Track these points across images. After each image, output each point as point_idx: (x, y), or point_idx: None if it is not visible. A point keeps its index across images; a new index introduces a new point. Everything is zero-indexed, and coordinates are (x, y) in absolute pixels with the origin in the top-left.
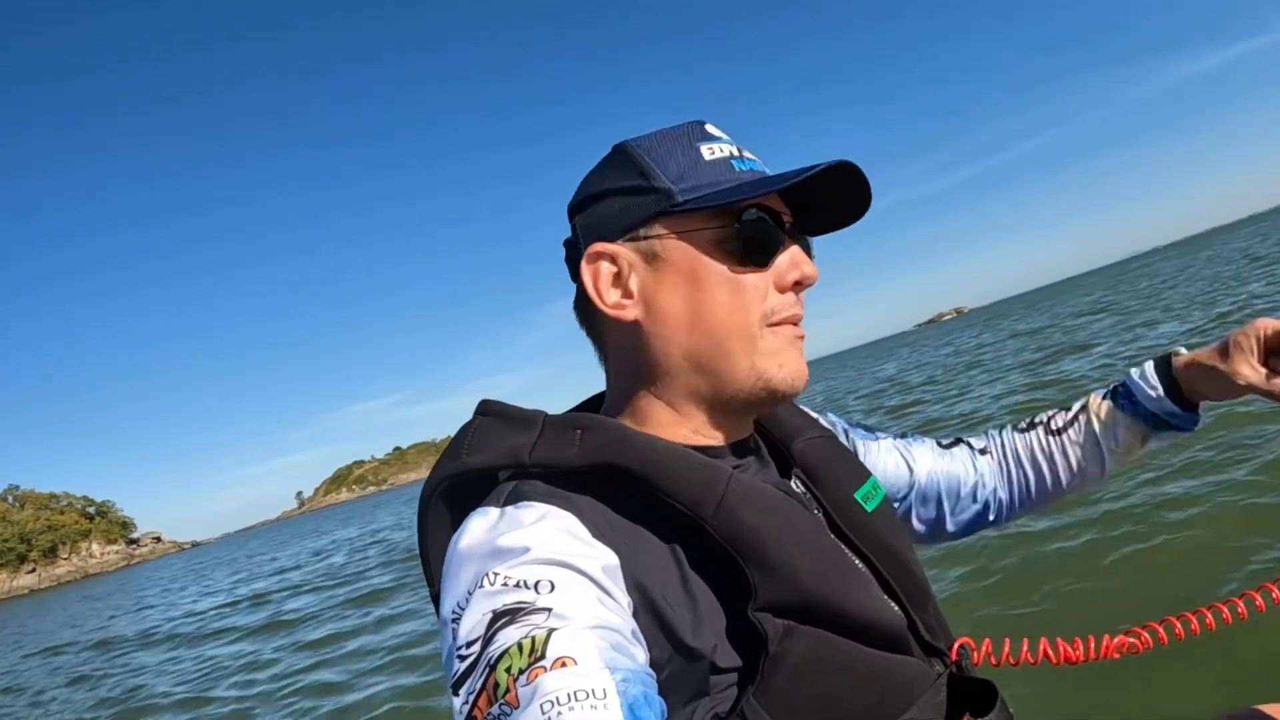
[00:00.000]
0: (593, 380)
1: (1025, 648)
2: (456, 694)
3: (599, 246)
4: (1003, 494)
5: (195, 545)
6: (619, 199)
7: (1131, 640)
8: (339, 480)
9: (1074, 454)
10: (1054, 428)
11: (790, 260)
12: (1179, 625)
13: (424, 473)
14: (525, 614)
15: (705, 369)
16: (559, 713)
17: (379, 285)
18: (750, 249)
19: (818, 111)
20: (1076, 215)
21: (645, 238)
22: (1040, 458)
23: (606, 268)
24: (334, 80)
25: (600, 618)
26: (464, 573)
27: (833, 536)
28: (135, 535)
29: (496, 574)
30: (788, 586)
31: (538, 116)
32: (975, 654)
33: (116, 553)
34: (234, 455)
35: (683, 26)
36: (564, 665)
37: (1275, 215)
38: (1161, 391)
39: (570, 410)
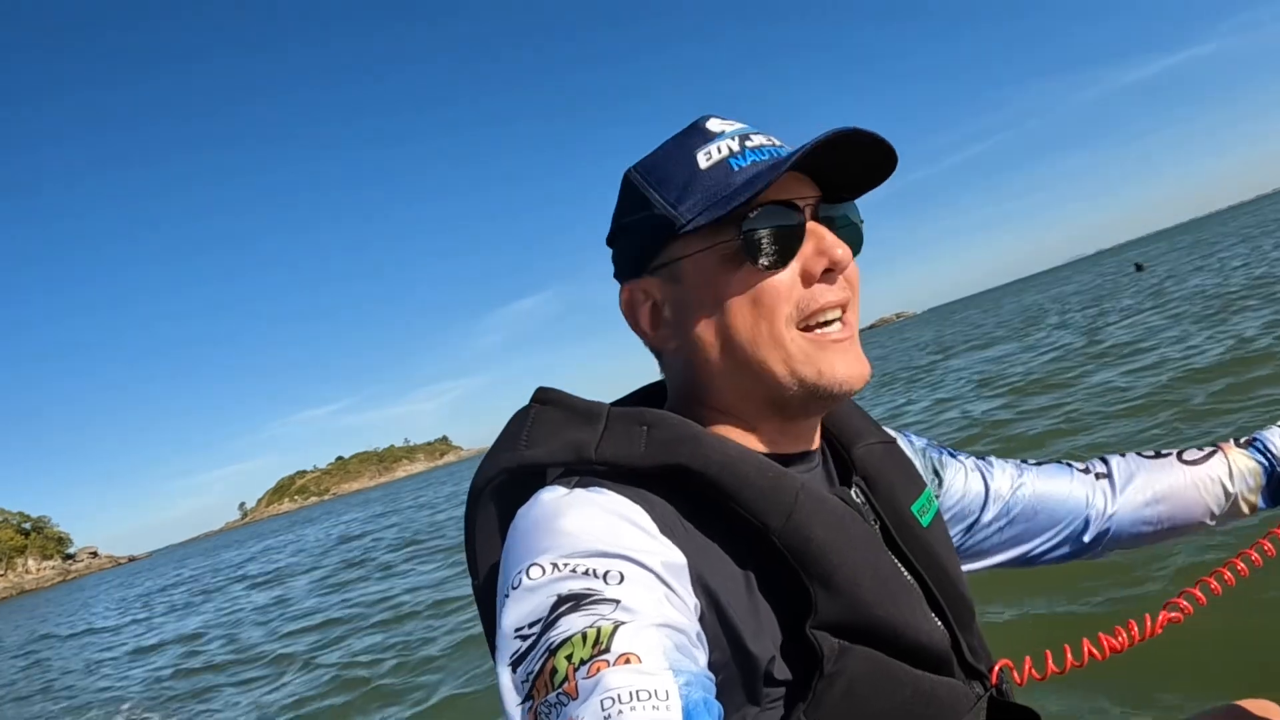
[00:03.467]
0: (549, 382)
1: (1069, 653)
2: (514, 671)
3: (629, 285)
4: (1118, 519)
5: (132, 560)
6: (635, 233)
7: (1173, 614)
8: (281, 491)
9: (1202, 490)
10: (1187, 459)
11: (814, 249)
12: (1214, 582)
13: (366, 483)
14: (592, 603)
15: (749, 384)
16: (619, 710)
17: (325, 292)
18: (760, 254)
19: (761, 118)
20: (1019, 219)
21: (666, 265)
22: (1167, 486)
23: (640, 302)
24: (283, 82)
25: (666, 616)
26: (531, 548)
27: (888, 551)
28: (72, 550)
29: (566, 557)
30: (848, 606)
31: (491, 124)
32: (1017, 675)
33: (53, 568)
34: (177, 465)
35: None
36: (628, 661)
37: (1207, 221)
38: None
39: (631, 397)
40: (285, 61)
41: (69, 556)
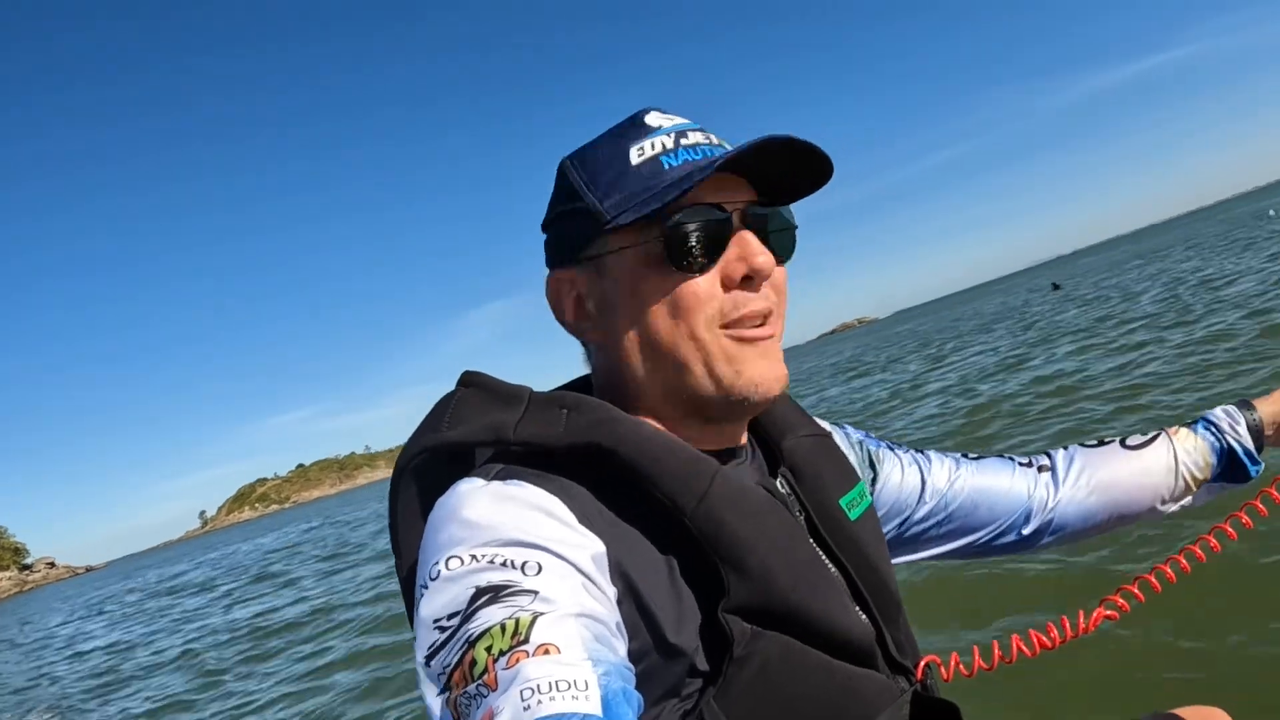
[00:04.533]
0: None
1: (997, 650)
2: (429, 664)
3: (556, 273)
4: (1060, 510)
5: (90, 570)
6: (566, 222)
7: (1109, 612)
8: (242, 499)
9: (1148, 476)
10: (1130, 444)
11: (738, 254)
12: (1154, 579)
13: (327, 490)
14: (510, 594)
15: (668, 383)
16: (539, 701)
17: (297, 294)
18: (681, 256)
19: (724, 126)
20: (984, 225)
21: (593, 258)
22: (1111, 475)
23: (566, 292)
24: (248, 83)
25: (585, 606)
26: (449, 539)
27: (811, 542)
28: (28, 561)
29: (483, 548)
30: (761, 591)
31: (479, 124)
32: (944, 670)
33: (9, 579)
34: (141, 473)
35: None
36: (547, 652)
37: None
38: (1244, 428)
39: (557, 389)
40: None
41: (26, 567)
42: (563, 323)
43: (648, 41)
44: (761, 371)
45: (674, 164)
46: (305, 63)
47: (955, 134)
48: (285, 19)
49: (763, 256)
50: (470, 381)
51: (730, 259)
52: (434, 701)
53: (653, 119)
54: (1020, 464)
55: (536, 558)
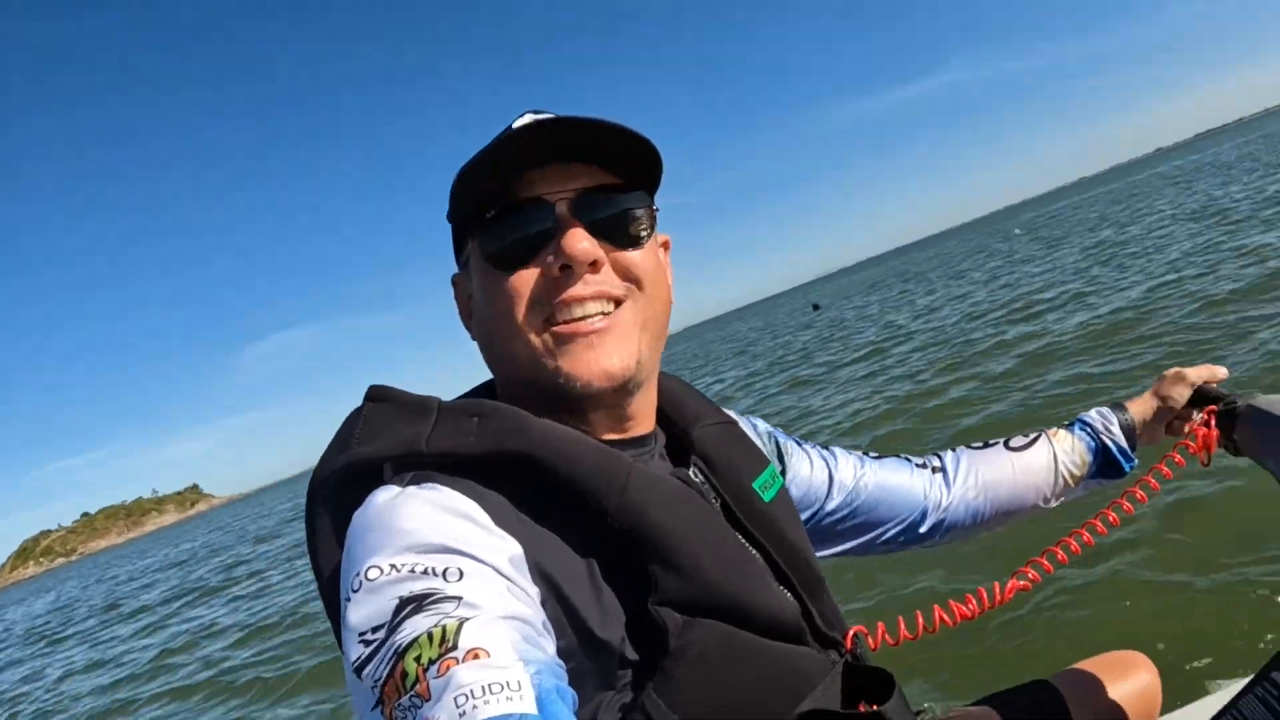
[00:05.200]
0: (322, 415)
1: (920, 620)
2: (359, 677)
3: (454, 277)
4: (952, 510)
5: None
6: (453, 226)
7: (1021, 583)
8: (25, 554)
9: (1031, 475)
10: (1013, 445)
11: (555, 246)
12: (1060, 552)
13: (115, 539)
14: (434, 602)
15: (516, 379)
16: (474, 706)
17: (72, 330)
18: (497, 255)
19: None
20: (760, 248)
21: (465, 262)
22: (996, 475)
23: (459, 294)
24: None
25: (510, 608)
26: (367, 549)
27: (729, 528)
28: None
29: (403, 556)
30: (689, 581)
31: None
32: (871, 640)
33: None
34: None
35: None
36: (476, 657)
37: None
38: (1117, 428)
39: (464, 396)
40: None
41: None
42: (464, 324)
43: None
44: (587, 363)
45: (508, 165)
46: None
47: (741, 155)
48: None
49: (581, 246)
50: (377, 396)
51: (550, 252)
52: (369, 717)
53: (523, 120)
54: (916, 464)
55: (457, 563)
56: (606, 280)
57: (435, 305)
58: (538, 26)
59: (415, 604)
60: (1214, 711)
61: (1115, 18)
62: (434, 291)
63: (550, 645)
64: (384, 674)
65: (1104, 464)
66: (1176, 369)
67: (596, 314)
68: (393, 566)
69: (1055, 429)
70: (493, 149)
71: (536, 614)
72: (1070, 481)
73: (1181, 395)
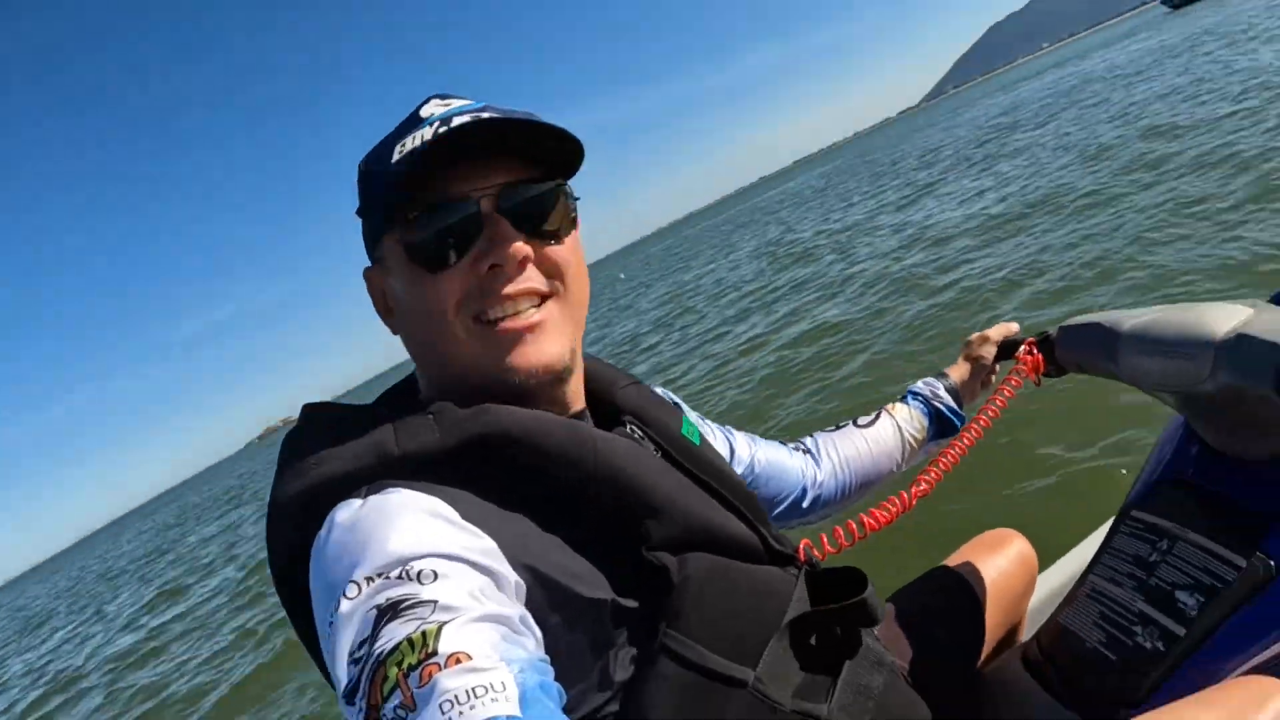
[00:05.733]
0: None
1: (853, 527)
2: (351, 703)
3: (366, 271)
4: (825, 485)
5: None
6: (362, 221)
7: (921, 488)
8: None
9: (881, 446)
10: (861, 424)
11: (484, 244)
12: (943, 461)
13: None
14: (410, 607)
15: (453, 376)
16: (460, 712)
17: None
18: (422, 256)
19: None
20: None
21: (380, 257)
22: (854, 450)
23: (373, 289)
24: None
25: (488, 608)
26: (340, 571)
27: (678, 471)
28: None
29: (376, 569)
30: (670, 522)
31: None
32: (817, 551)
33: None
34: None
35: None
36: (459, 661)
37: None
38: (944, 392)
39: (381, 402)
40: None
41: None
42: (381, 318)
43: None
44: (525, 357)
45: (421, 162)
46: None
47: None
48: None
49: (510, 246)
50: (315, 415)
51: (478, 252)
52: None
53: (428, 109)
54: (790, 446)
55: (431, 565)
56: (533, 276)
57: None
58: None
59: (391, 611)
60: (1087, 558)
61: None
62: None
63: (531, 642)
64: (367, 689)
65: (940, 425)
66: (979, 333)
67: (528, 309)
68: (367, 580)
69: (892, 404)
70: (410, 155)
71: (515, 609)
72: (915, 445)
73: (989, 352)
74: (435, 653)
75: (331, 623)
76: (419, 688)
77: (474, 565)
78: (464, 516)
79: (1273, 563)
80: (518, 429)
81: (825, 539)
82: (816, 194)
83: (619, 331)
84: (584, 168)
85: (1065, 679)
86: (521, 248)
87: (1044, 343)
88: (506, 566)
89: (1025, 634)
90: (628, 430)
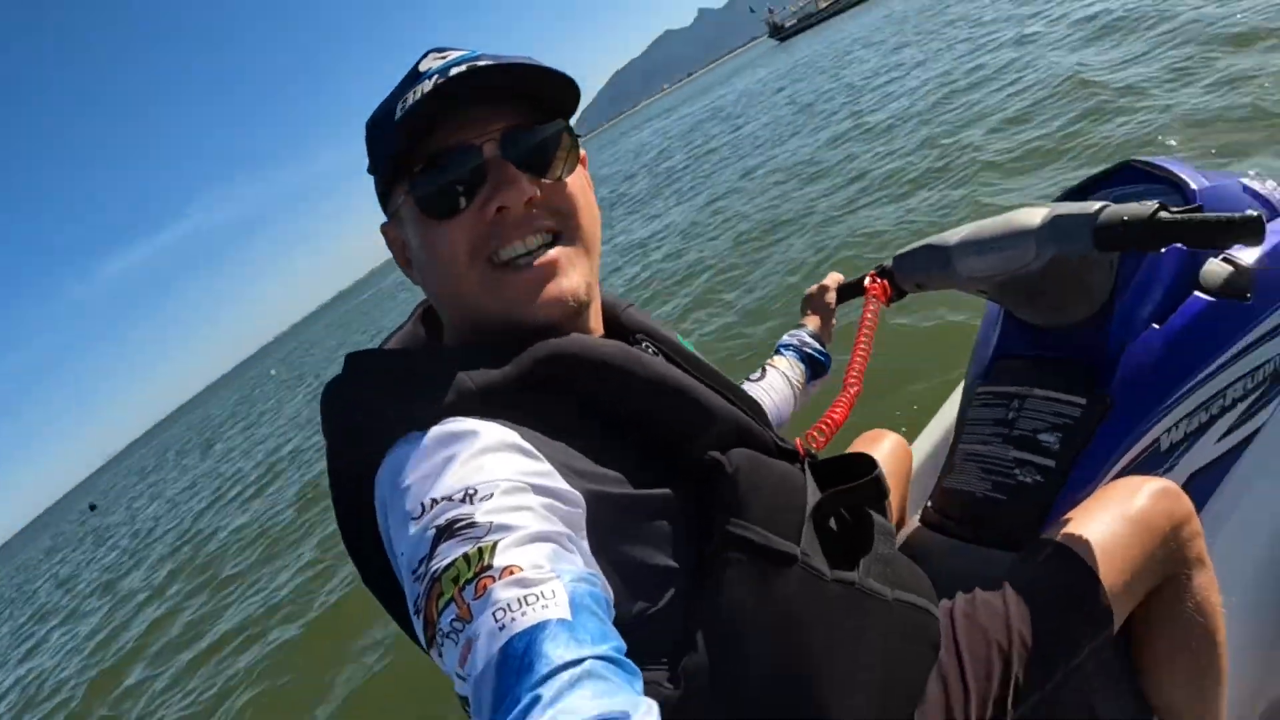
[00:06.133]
0: None
1: (825, 429)
2: (417, 618)
3: (383, 226)
4: None
5: None
6: (375, 180)
7: (852, 391)
8: None
9: (780, 393)
10: (754, 379)
11: (490, 189)
12: (858, 364)
13: None
14: (466, 527)
15: (476, 320)
16: (511, 619)
17: None
18: (431, 206)
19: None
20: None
21: (395, 211)
22: (767, 401)
23: (392, 243)
24: None
25: (539, 526)
26: (406, 498)
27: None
28: None
29: (436, 491)
30: (711, 422)
31: None
32: (813, 445)
33: None
34: None
35: None
36: (511, 574)
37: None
38: (808, 337)
39: (399, 347)
40: None
41: None
42: (403, 271)
43: None
44: (544, 295)
45: (423, 112)
46: None
47: None
48: None
49: (514, 186)
50: (361, 362)
51: (484, 196)
52: (432, 652)
53: (426, 63)
54: None
55: (490, 489)
56: (542, 215)
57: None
58: None
59: (449, 532)
60: (939, 438)
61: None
62: None
63: (580, 559)
64: (425, 605)
65: (813, 368)
66: (813, 287)
67: (539, 247)
68: (433, 502)
69: (771, 358)
70: (412, 109)
71: (565, 529)
72: (799, 388)
73: (831, 299)
74: (490, 566)
75: (400, 546)
76: (474, 599)
77: (534, 488)
78: (526, 440)
79: (1108, 396)
80: (578, 348)
81: (811, 436)
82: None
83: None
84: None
85: (969, 528)
86: (527, 189)
87: (884, 272)
88: (565, 485)
89: (909, 514)
90: (643, 347)
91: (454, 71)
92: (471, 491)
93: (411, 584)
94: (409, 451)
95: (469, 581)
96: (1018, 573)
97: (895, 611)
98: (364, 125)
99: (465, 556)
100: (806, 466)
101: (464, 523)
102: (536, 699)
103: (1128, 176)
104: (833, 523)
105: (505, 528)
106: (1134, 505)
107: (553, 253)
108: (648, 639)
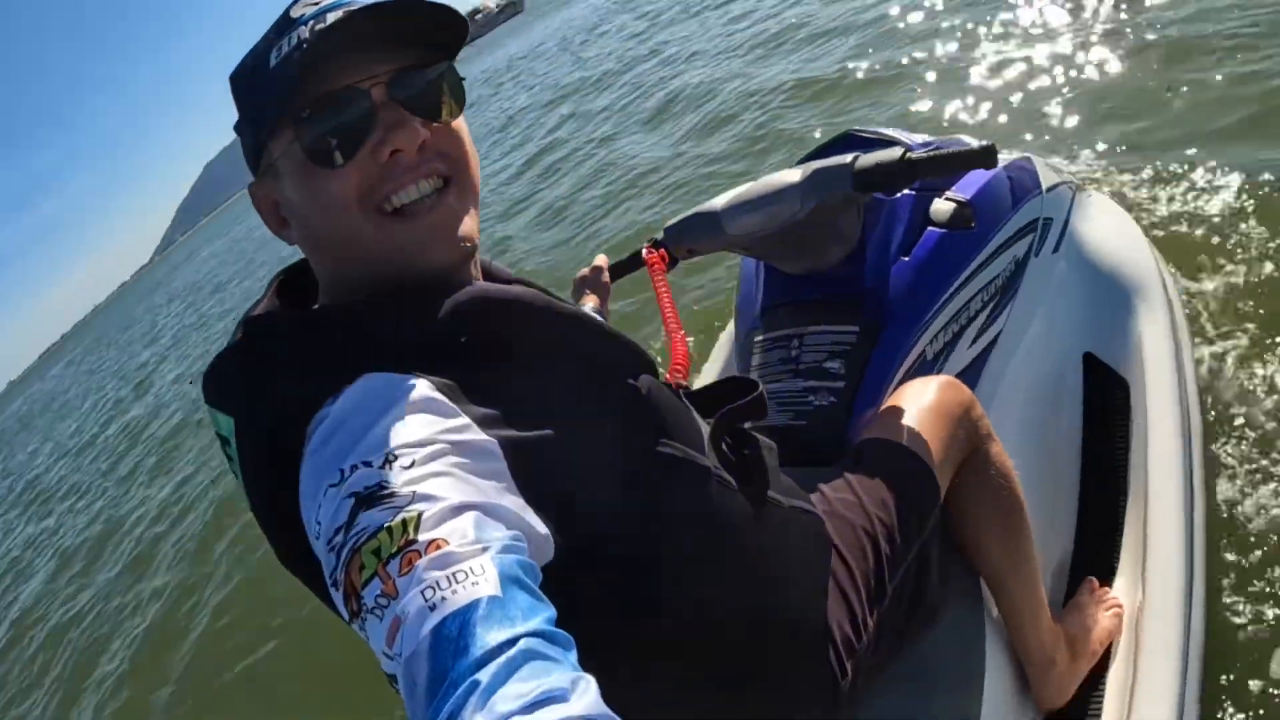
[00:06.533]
0: None
1: (683, 355)
2: (335, 589)
3: (250, 186)
4: None
5: None
6: (242, 135)
7: (683, 350)
8: None
9: None
10: None
11: (380, 134)
12: (677, 346)
13: None
14: (387, 496)
15: (362, 269)
16: (441, 598)
17: None
18: (319, 155)
19: None
20: None
21: (269, 166)
22: None
23: (262, 203)
24: None
25: (462, 493)
26: (321, 467)
27: None
28: None
29: (359, 457)
30: (615, 351)
31: None
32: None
33: None
34: None
35: None
36: (438, 548)
37: None
38: (593, 314)
39: (276, 310)
40: None
41: None
42: (271, 230)
43: None
44: (437, 239)
45: (304, 58)
46: None
47: None
48: None
49: (404, 133)
50: (259, 325)
51: (375, 140)
52: (354, 626)
53: (297, 8)
54: None
55: (407, 453)
56: (433, 159)
57: None
58: None
59: (368, 500)
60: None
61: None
62: None
63: (505, 524)
64: (343, 575)
65: None
66: (587, 268)
67: (431, 192)
68: (352, 468)
69: None
70: (291, 54)
71: (489, 492)
72: None
73: (605, 277)
74: (414, 541)
75: (316, 513)
76: (400, 576)
77: (454, 446)
78: (443, 393)
79: (876, 321)
80: (495, 292)
81: (674, 372)
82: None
83: None
84: None
85: (783, 456)
86: (419, 132)
87: (657, 244)
88: (484, 437)
89: None
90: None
91: (332, 17)
92: (391, 456)
93: (327, 554)
94: (325, 415)
95: (393, 556)
96: (853, 469)
97: (797, 518)
98: (227, 79)
99: (388, 529)
100: (682, 395)
101: (384, 491)
102: (475, 684)
103: (849, 143)
104: (724, 445)
105: (427, 497)
106: (927, 399)
107: (445, 197)
108: (590, 568)
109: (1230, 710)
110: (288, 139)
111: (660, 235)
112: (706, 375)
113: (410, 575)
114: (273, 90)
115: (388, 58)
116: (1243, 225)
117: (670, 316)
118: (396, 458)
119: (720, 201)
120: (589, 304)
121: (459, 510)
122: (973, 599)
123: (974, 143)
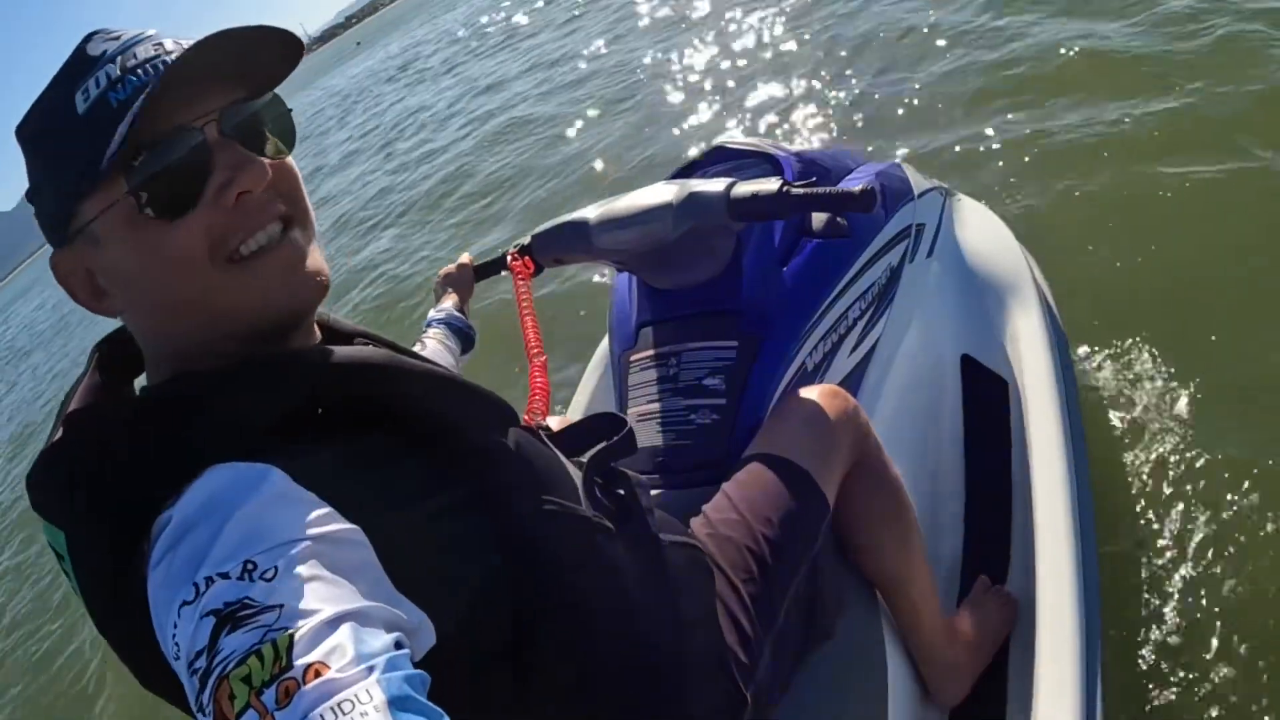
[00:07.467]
0: None
1: (538, 406)
2: (204, 715)
3: (54, 257)
4: None
5: None
6: (40, 200)
7: (540, 360)
8: None
9: (446, 362)
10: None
11: (224, 177)
12: (534, 356)
13: None
14: (250, 615)
15: (207, 331)
16: None
17: None
18: (156, 206)
19: None
20: None
21: (80, 231)
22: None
23: (70, 274)
24: None
25: (333, 603)
26: (173, 581)
27: None
28: None
29: (205, 570)
30: (475, 407)
31: None
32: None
33: None
34: None
35: None
36: (318, 674)
37: None
38: (455, 312)
39: (92, 393)
40: None
41: None
42: (82, 305)
43: None
44: (294, 280)
45: (122, 97)
46: None
47: None
48: None
49: (252, 170)
50: (93, 418)
51: (217, 186)
52: None
53: (95, 46)
54: None
55: (267, 559)
56: (274, 198)
57: None
58: None
59: (231, 620)
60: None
61: None
62: None
63: (383, 627)
64: (210, 706)
65: (463, 341)
66: (452, 265)
67: (278, 233)
68: (208, 580)
69: (424, 333)
70: (108, 97)
71: (361, 596)
72: (458, 359)
73: (468, 277)
74: (290, 667)
75: (173, 632)
76: (278, 708)
77: (315, 541)
78: (298, 479)
79: (755, 335)
80: (341, 358)
81: (532, 410)
82: None
83: None
84: None
85: (666, 478)
86: (265, 169)
87: (524, 250)
88: (347, 525)
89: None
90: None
91: (143, 52)
92: (250, 565)
93: (190, 678)
94: (168, 519)
95: (266, 685)
96: (738, 487)
97: (676, 552)
98: (14, 137)
99: (257, 653)
100: (545, 438)
101: (247, 609)
102: None
103: (721, 157)
104: (596, 487)
105: (296, 613)
106: (810, 409)
107: (291, 236)
108: (473, 642)
109: (1131, 687)
110: (111, 195)
111: (527, 240)
112: (580, 396)
113: (290, 708)
114: (86, 140)
115: (213, 93)
116: (1109, 222)
117: (531, 338)
118: (255, 566)
119: (592, 213)
120: (449, 301)
121: (334, 624)
122: (868, 606)
123: (854, 188)
